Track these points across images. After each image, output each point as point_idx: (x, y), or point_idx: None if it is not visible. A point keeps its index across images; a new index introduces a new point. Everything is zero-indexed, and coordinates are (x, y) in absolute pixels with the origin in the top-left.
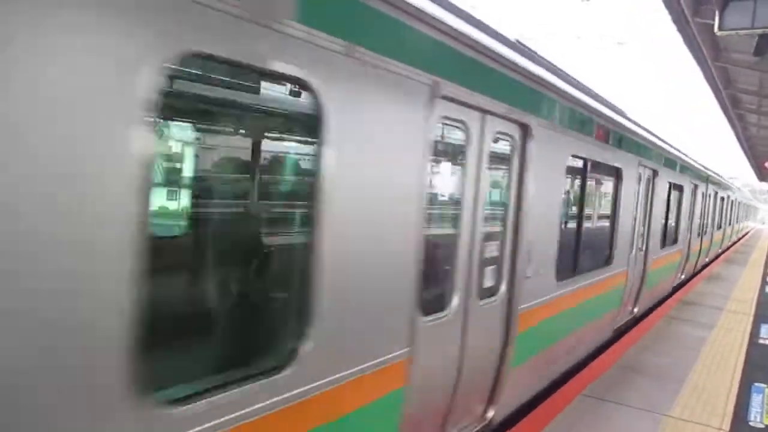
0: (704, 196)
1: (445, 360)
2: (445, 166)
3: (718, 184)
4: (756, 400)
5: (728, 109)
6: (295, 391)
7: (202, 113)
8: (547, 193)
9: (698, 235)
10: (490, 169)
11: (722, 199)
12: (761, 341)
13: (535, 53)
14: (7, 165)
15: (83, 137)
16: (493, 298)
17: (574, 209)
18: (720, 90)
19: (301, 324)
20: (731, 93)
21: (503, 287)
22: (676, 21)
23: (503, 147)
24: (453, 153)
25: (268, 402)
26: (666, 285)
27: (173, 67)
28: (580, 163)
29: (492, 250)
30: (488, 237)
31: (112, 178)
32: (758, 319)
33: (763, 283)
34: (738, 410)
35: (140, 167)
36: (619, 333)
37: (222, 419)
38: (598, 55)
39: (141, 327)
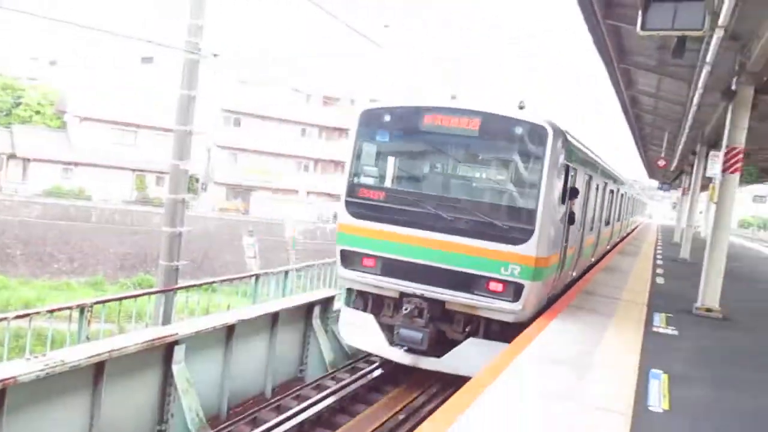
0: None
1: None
2: None
3: (606, 175)
4: (654, 385)
5: (628, 109)
6: None
7: None
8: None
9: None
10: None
11: (611, 192)
12: (655, 329)
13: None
14: None
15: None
16: None
17: None
18: (622, 91)
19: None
20: (631, 94)
21: None
22: (587, 21)
23: None
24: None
25: None
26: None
27: None
28: None
29: None
30: None
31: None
32: (651, 309)
33: (654, 274)
34: (638, 396)
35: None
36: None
37: None
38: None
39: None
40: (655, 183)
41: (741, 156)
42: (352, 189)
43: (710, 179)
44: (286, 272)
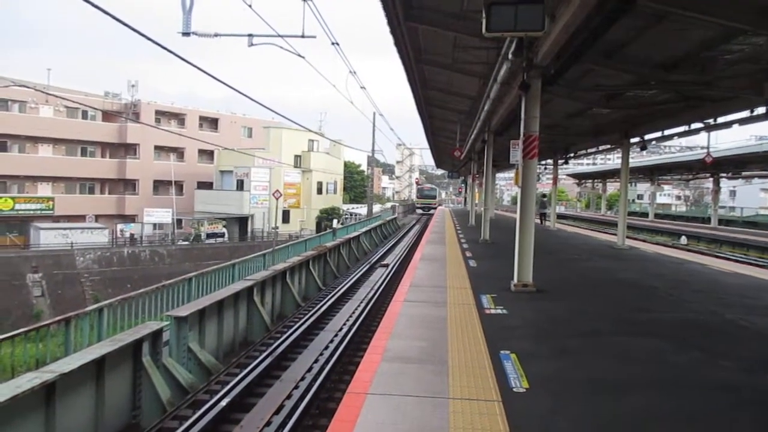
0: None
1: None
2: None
3: (440, 189)
4: (509, 367)
5: (422, 105)
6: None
7: None
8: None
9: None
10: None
11: (440, 193)
12: (487, 311)
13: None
14: None
15: None
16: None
17: None
18: (418, 88)
19: None
20: (426, 92)
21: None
22: (389, 23)
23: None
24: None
25: None
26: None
27: None
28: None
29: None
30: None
31: None
32: (476, 291)
33: (465, 258)
34: (500, 380)
35: None
36: None
37: None
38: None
39: None
40: (439, 171)
41: (537, 142)
42: (417, 195)
43: (481, 168)
44: (100, 310)
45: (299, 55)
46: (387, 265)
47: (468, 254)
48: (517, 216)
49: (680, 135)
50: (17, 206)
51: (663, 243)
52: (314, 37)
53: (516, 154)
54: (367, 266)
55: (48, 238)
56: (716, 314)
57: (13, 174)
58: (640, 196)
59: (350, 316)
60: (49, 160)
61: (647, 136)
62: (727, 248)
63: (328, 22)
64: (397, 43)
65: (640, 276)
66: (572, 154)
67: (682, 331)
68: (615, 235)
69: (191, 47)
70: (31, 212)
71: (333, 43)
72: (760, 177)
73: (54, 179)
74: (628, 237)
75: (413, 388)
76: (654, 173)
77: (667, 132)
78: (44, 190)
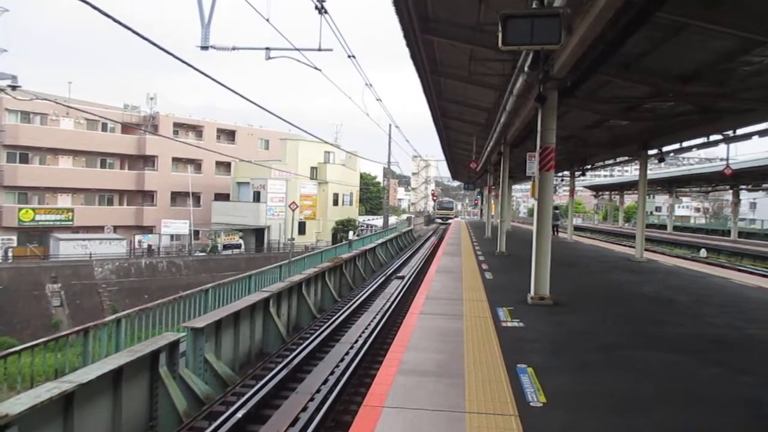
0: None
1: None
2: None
3: (456, 202)
4: (525, 381)
5: (438, 117)
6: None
7: None
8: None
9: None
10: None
11: (456, 206)
12: (503, 324)
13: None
14: None
15: None
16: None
17: None
18: (434, 100)
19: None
20: (442, 104)
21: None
22: (406, 36)
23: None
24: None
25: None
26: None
27: None
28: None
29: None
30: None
31: None
32: (492, 304)
33: (481, 270)
34: (516, 394)
35: None
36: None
37: None
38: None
39: None
40: (455, 183)
41: (553, 155)
42: (436, 207)
43: (497, 180)
44: (118, 321)
45: (316, 68)
46: (403, 277)
47: (484, 266)
48: (534, 228)
49: (699, 147)
50: (38, 217)
51: (682, 256)
52: (331, 50)
53: (532, 167)
54: (383, 278)
55: (67, 248)
56: (738, 329)
57: (34, 185)
58: (658, 208)
59: (366, 329)
60: (69, 172)
61: (665, 148)
62: (749, 261)
63: (345, 35)
64: (413, 56)
65: (659, 289)
66: (589, 166)
67: (703, 346)
68: (633, 247)
69: (210, 61)
70: (51, 223)
71: (349, 56)
72: None
73: (74, 191)
74: (646, 249)
75: (429, 401)
76: (672, 185)
77: (685, 144)
78: (64, 201)
